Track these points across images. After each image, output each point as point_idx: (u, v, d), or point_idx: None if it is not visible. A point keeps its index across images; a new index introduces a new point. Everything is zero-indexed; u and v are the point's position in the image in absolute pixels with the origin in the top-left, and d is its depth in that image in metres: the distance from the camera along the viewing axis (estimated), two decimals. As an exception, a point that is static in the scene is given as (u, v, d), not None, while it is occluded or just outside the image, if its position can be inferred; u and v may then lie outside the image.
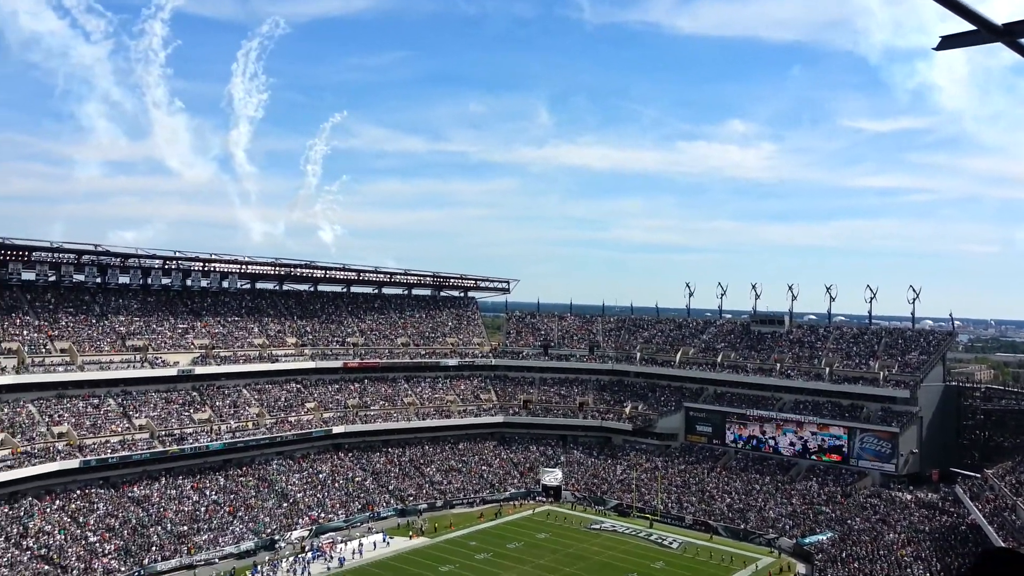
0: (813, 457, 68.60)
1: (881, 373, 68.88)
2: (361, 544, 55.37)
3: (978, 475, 58.67)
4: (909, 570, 48.42)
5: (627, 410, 79.49)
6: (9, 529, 48.56)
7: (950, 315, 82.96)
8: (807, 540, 56.87)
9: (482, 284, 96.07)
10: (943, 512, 57.71)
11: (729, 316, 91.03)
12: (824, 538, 56.49)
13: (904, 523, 56.59)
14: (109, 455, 55.36)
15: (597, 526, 62.88)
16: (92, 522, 51.56)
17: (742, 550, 57.32)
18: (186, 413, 62.99)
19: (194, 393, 65.37)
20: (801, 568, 53.89)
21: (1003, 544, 43.02)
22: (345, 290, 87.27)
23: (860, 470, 65.67)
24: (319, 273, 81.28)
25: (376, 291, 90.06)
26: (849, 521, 58.57)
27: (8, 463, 50.56)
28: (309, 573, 50.75)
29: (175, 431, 60.42)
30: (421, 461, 73.06)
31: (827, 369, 72.02)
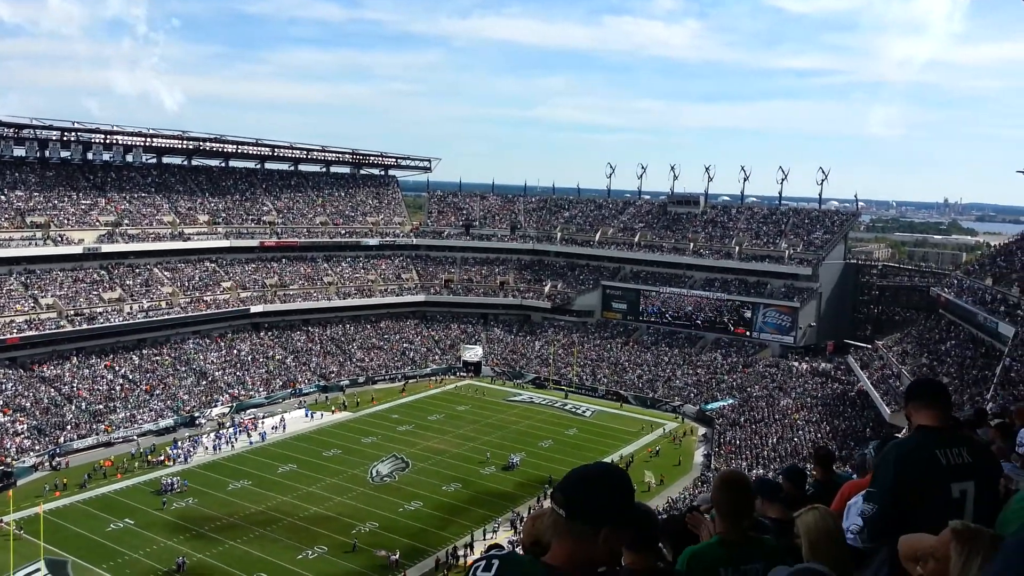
0: (718, 331, 72.20)
1: (787, 251, 72.02)
2: (283, 419, 56.28)
3: (869, 346, 63.12)
4: (801, 432, 52.50)
5: (546, 289, 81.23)
6: (-88, 410, 47.27)
7: (855, 196, 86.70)
8: (709, 406, 60.74)
9: (403, 162, 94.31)
10: (835, 380, 62.16)
11: (648, 197, 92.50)
12: (725, 404, 60.42)
13: (799, 390, 60.84)
14: (15, 335, 53.76)
15: (515, 398, 65.43)
16: (1, 402, 50.58)
17: (649, 416, 60.90)
18: (95, 292, 61.24)
19: (102, 272, 63.36)
20: (703, 431, 57.81)
21: (887, 408, 46.85)
22: (259, 166, 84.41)
23: (761, 342, 69.68)
24: (230, 148, 78.27)
25: (292, 168, 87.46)
26: (749, 389, 62.61)
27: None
28: (232, 447, 51.59)
29: (84, 310, 58.87)
30: (343, 340, 73.62)
31: (737, 248, 74.77)
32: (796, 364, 65.78)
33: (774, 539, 3.81)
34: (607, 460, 49.96)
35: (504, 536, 37.56)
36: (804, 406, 57.23)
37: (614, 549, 2.16)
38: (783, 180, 78.78)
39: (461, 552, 36.48)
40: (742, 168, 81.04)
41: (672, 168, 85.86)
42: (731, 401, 60.89)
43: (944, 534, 1.91)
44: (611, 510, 2.14)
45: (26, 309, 56.40)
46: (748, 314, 70.76)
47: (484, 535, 38.09)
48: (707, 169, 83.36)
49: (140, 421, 53.76)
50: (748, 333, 70.62)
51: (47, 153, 66.20)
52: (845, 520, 3.70)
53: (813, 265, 69.96)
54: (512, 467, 48.98)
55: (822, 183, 76.51)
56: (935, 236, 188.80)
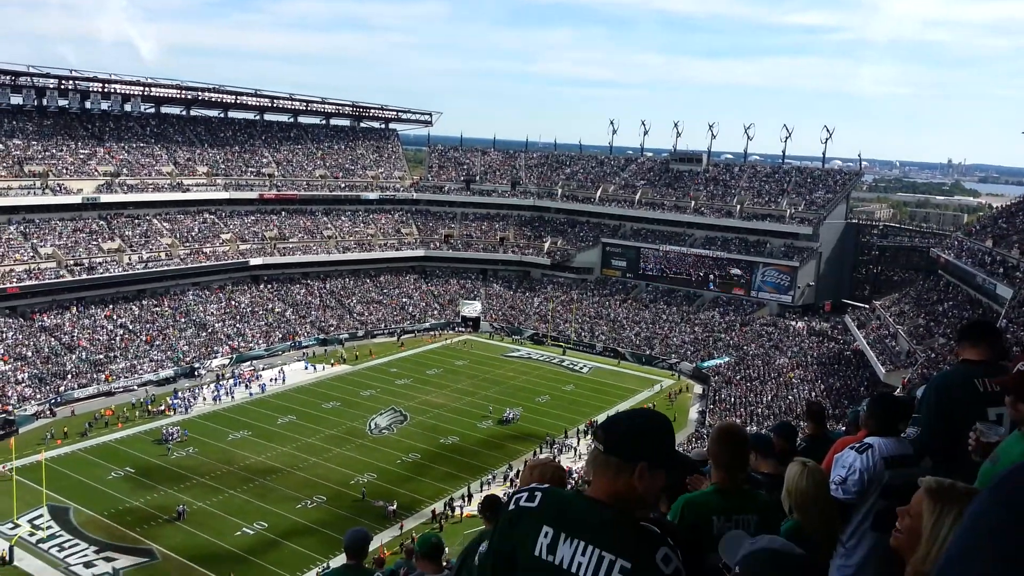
0: (718, 289, 72.30)
1: (788, 210, 71.73)
2: (283, 371, 56.67)
3: (866, 306, 63.28)
4: (796, 390, 52.93)
5: (546, 245, 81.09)
6: (-87, 357, 47.55)
7: (858, 155, 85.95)
8: (705, 364, 61.10)
9: (404, 116, 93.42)
10: (831, 339, 62.48)
11: (650, 154, 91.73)
12: (721, 362, 60.80)
13: (795, 349, 61.18)
14: (15, 284, 53.81)
15: (513, 354, 65.80)
16: (1, 350, 50.85)
17: (646, 373, 61.33)
18: (94, 242, 61.13)
19: (101, 222, 63.17)
20: (698, 388, 58.26)
21: (882, 368, 47.18)
22: (258, 118, 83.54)
23: (760, 301, 69.83)
24: (229, 98, 77.41)
25: (292, 120, 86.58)
26: (745, 347, 62.94)
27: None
28: (232, 398, 52.04)
29: (83, 260, 58.83)
30: (342, 293, 73.75)
31: (738, 207, 74.44)
32: (793, 323, 66.03)
33: (767, 494, 3.85)
34: (604, 416, 50.54)
35: (499, 489, 38.11)
36: (800, 364, 57.61)
37: (651, 488, 2.21)
38: (787, 138, 78.10)
39: (457, 504, 37.07)
40: (745, 127, 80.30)
41: (675, 125, 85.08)
42: (727, 359, 61.26)
43: (918, 492, 1.92)
44: (646, 447, 2.21)
45: (26, 259, 56.36)
46: (747, 272, 70.77)
47: (480, 487, 38.66)
48: (710, 127, 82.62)
49: (140, 371, 54.13)
50: (747, 292, 70.73)
51: (44, 102, 65.51)
52: (833, 472, 3.75)
53: (814, 224, 69.74)
54: (508, 421, 49.50)
55: (826, 142, 75.91)
56: (937, 197, 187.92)
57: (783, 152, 79.96)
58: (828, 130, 75.85)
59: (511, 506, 2.26)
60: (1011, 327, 37.10)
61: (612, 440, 2.23)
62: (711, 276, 72.71)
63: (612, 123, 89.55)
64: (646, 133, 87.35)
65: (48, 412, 47.39)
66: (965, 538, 1.15)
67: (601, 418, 50.10)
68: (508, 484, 38.88)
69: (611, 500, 2.19)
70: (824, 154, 77.83)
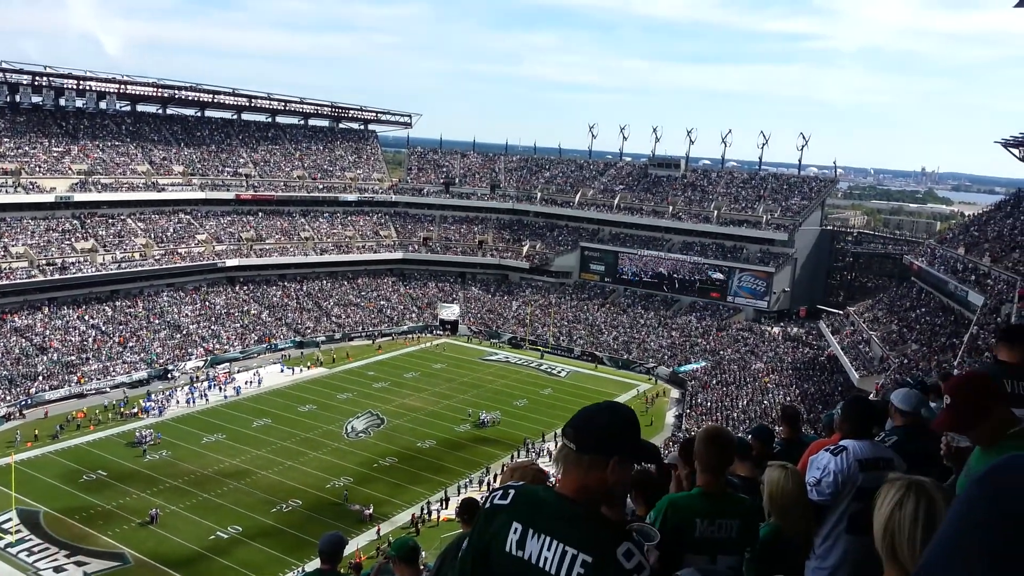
0: (694, 294, 72.76)
1: (764, 217, 72.42)
2: (258, 373, 56.18)
3: (841, 312, 64.00)
4: (771, 395, 53.37)
5: (525, 249, 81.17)
6: None
7: (834, 163, 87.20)
8: (682, 368, 61.46)
9: (383, 117, 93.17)
10: (806, 344, 63.10)
11: (629, 159, 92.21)
12: (698, 367, 61.17)
13: (770, 354, 61.71)
14: (-16, 284, 52.92)
15: (491, 357, 65.74)
16: (-29, 351, 49.93)
17: (623, 377, 61.56)
18: (67, 242, 60.26)
19: (74, 221, 62.29)
20: (675, 393, 58.58)
21: (856, 373, 47.70)
22: (236, 117, 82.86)
23: (736, 306, 70.40)
24: (206, 97, 76.71)
25: (270, 120, 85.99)
26: (721, 352, 63.39)
27: None
28: (206, 400, 51.49)
29: (56, 260, 57.97)
30: (319, 296, 73.29)
31: (715, 212, 75.03)
32: (769, 328, 66.63)
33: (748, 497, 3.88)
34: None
35: (477, 493, 38.00)
36: (775, 369, 58.12)
37: (621, 480, 2.25)
38: (764, 145, 79.00)
39: (435, 508, 36.94)
40: (722, 134, 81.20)
41: (654, 130, 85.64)
42: (704, 364, 61.65)
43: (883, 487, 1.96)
44: (618, 442, 2.24)
45: (-5, 258, 55.38)
46: (723, 278, 71.32)
47: (458, 491, 38.55)
48: (689, 133, 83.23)
49: (113, 373, 53.39)
50: (723, 297, 71.26)
51: (18, 98, 64.53)
52: (807, 474, 3.78)
53: (789, 231, 70.48)
54: (483, 424, 49.44)
55: (802, 148, 76.84)
56: (911, 204, 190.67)
57: (760, 158, 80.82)
58: (804, 137, 76.88)
59: (486, 504, 2.31)
60: (982, 334, 37.68)
61: (583, 436, 2.26)
62: (688, 280, 73.09)
63: (592, 128, 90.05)
64: (625, 138, 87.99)
65: (18, 414, 46.59)
66: (950, 534, 1.14)
67: (578, 422, 50.17)
68: (485, 488, 38.80)
69: (579, 495, 2.22)
70: (800, 161, 78.78)
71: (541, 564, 2.14)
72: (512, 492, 2.28)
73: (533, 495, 2.29)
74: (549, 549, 2.14)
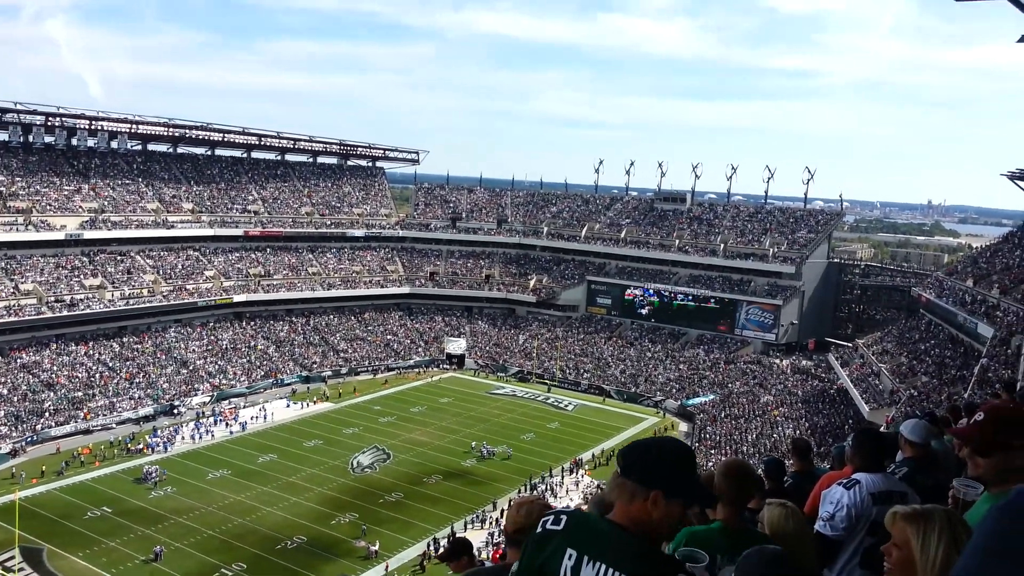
0: (702, 327, 72.51)
1: (771, 250, 72.44)
2: (264, 409, 55.99)
3: (849, 344, 63.65)
4: (780, 428, 52.87)
5: (532, 283, 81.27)
6: None
7: (840, 196, 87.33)
8: (690, 402, 61.02)
9: (391, 154, 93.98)
10: (815, 377, 62.65)
11: (635, 193, 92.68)
12: (706, 400, 60.73)
13: (779, 387, 61.25)
14: (-7, 320, 53.14)
15: (498, 391, 65.44)
16: (-22, 388, 49.98)
17: (631, 411, 61.13)
18: (76, 279, 60.61)
19: (83, 259, 62.71)
20: (683, 427, 58.07)
21: (866, 406, 47.26)
22: (245, 155, 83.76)
23: (744, 339, 70.07)
24: (216, 136, 77.62)
25: (279, 158, 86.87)
26: (730, 385, 62.97)
27: None
28: (212, 436, 51.28)
29: (64, 297, 58.26)
30: (326, 331, 73.32)
31: (722, 245, 75.10)
32: (777, 361, 66.24)
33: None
34: (589, 454, 50.24)
35: (477, 534, 37.57)
36: (784, 402, 57.63)
37: (665, 517, 2.24)
38: (769, 179, 79.33)
39: (443, 544, 36.47)
40: (729, 172, 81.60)
41: (660, 165, 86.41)
42: (712, 397, 61.21)
43: (897, 524, 1.91)
44: (662, 474, 2.25)
45: (5, 295, 55.72)
46: (731, 311, 71.11)
47: (464, 527, 38.12)
48: (694, 167, 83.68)
49: (119, 409, 53.30)
50: (730, 330, 70.98)
51: (31, 138, 65.41)
52: (820, 508, 3.72)
53: (796, 264, 70.42)
54: (484, 457, 49.25)
55: (808, 182, 77.06)
56: (918, 237, 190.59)
57: (766, 192, 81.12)
58: (809, 171, 77.12)
59: (539, 528, 2.32)
60: (992, 366, 37.36)
61: (629, 463, 2.29)
62: (696, 314, 72.85)
63: (598, 163, 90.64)
64: (631, 173, 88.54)
65: (23, 450, 46.45)
66: (976, 558, 1.11)
67: (587, 456, 49.81)
68: (491, 525, 38.33)
69: (630, 524, 2.23)
70: (806, 194, 78.99)
71: None
72: (564, 517, 2.29)
73: (587, 522, 2.30)
74: None
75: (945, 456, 5.51)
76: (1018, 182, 55.86)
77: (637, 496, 2.22)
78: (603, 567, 2.14)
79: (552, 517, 2.31)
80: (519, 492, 42.08)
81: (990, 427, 2.63)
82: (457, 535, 32.91)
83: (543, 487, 44.46)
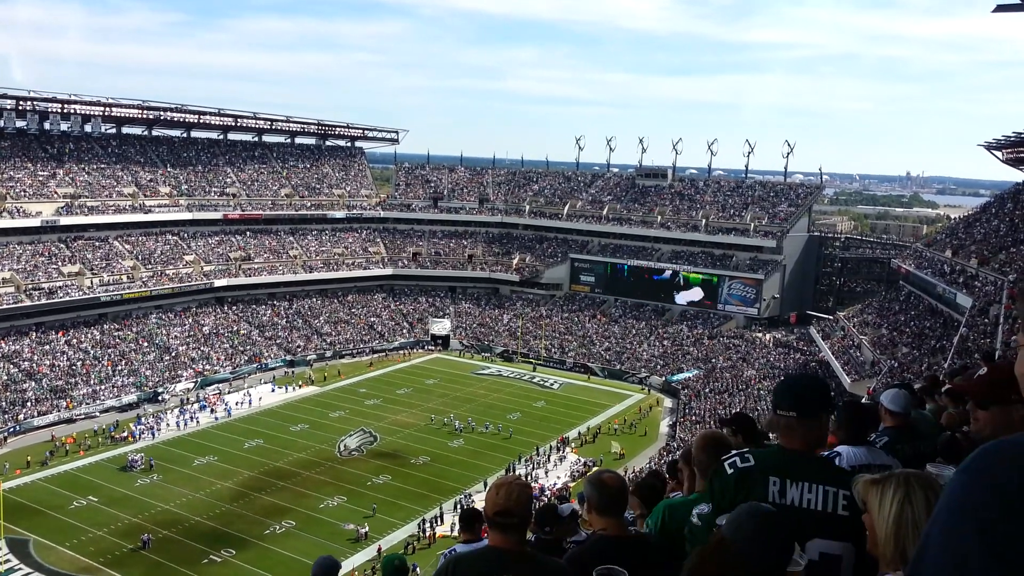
0: (685, 303, 72.87)
1: (752, 224, 72.74)
2: (249, 394, 55.78)
3: (831, 317, 64.22)
4: (763, 402, 53.36)
5: (515, 262, 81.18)
6: None
7: (819, 170, 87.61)
8: (675, 377, 61.44)
9: (370, 134, 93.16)
10: (797, 350, 63.23)
11: (616, 170, 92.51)
12: (690, 375, 61.18)
13: (762, 360, 61.80)
14: (-30, 310, 52.44)
15: (483, 372, 65.55)
16: (-43, 379, 49.41)
17: (616, 388, 61.49)
18: (54, 266, 59.86)
19: (60, 245, 61.91)
20: (668, 402, 58.52)
21: (848, 378, 47.76)
22: (222, 137, 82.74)
23: (726, 314, 70.52)
24: (192, 118, 76.53)
25: (256, 139, 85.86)
26: (713, 360, 63.43)
27: None
28: (197, 423, 51.05)
29: (43, 285, 57.55)
30: (309, 314, 72.98)
31: (703, 221, 75.31)
32: (760, 335, 66.74)
33: None
34: (575, 432, 50.52)
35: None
36: (767, 376, 58.15)
37: (827, 430, 2.91)
38: (750, 153, 79.46)
39: (429, 524, 36.68)
40: (708, 143, 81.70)
41: (640, 141, 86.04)
42: (696, 372, 61.66)
43: (859, 489, 1.94)
44: (828, 401, 2.86)
45: (-19, 284, 54.95)
46: (714, 286, 71.45)
47: (454, 507, 38.29)
48: (675, 143, 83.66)
49: (102, 397, 52.92)
50: (713, 305, 71.38)
51: (2, 123, 64.18)
52: None
53: (777, 238, 70.78)
54: (459, 431, 50.08)
55: (788, 156, 77.33)
56: (897, 209, 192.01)
57: (746, 167, 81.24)
58: (789, 145, 77.36)
59: (728, 470, 2.69)
60: (971, 335, 37.85)
61: (807, 406, 2.74)
62: (679, 290, 73.15)
63: (578, 140, 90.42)
64: (612, 149, 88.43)
65: (3, 441, 46.02)
66: (944, 515, 1.13)
67: (572, 434, 50.07)
68: (476, 503, 38.51)
69: (807, 449, 2.70)
70: (786, 168, 79.27)
71: (806, 505, 2.58)
72: (750, 455, 2.72)
73: (777, 454, 2.77)
74: (811, 492, 2.60)
75: (925, 424, 5.55)
76: (995, 152, 56.33)
77: (815, 425, 2.73)
78: (806, 484, 2.58)
79: (738, 457, 2.72)
80: (506, 471, 42.28)
81: (990, 381, 2.78)
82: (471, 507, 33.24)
83: (531, 466, 44.69)
